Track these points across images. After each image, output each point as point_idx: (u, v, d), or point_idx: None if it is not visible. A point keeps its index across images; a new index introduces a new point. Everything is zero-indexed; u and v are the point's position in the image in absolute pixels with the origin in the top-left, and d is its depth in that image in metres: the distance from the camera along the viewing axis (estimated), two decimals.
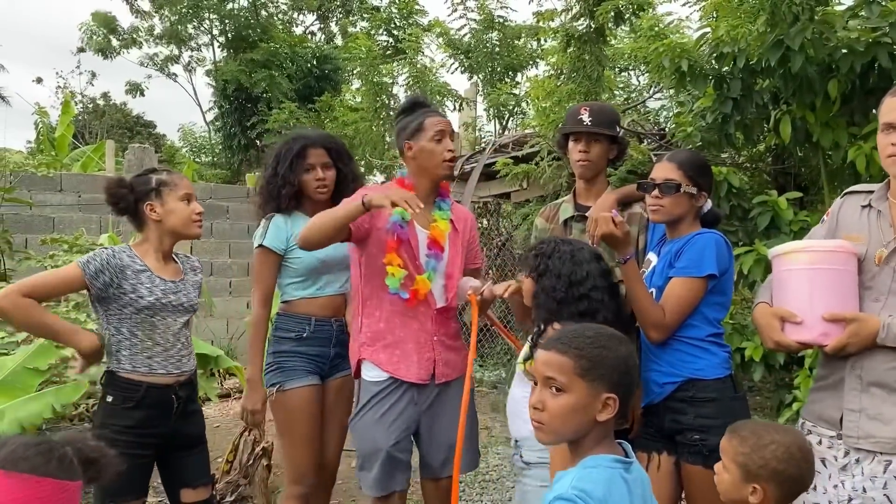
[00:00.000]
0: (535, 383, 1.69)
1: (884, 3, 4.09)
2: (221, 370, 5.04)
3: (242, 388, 3.10)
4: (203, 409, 5.70)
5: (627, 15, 6.43)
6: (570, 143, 2.94)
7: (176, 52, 18.15)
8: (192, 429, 2.81)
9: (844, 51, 4.03)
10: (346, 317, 3.11)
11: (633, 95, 9.24)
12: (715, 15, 4.95)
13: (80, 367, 2.65)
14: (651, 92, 8.44)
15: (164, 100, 37.18)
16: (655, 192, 2.53)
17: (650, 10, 6.63)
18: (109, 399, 2.62)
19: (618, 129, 2.98)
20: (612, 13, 6.19)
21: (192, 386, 2.81)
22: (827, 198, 4.71)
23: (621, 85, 9.72)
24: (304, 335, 3.02)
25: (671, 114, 7.44)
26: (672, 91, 6.77)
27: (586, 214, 2.87)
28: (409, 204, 2.46)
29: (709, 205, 2.63)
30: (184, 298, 2.74)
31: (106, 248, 2.70)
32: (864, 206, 2.19)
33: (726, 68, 4.53)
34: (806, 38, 3.94)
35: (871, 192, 2.20)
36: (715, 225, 2.64)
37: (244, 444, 4.08)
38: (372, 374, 2.75)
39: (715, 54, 4.54)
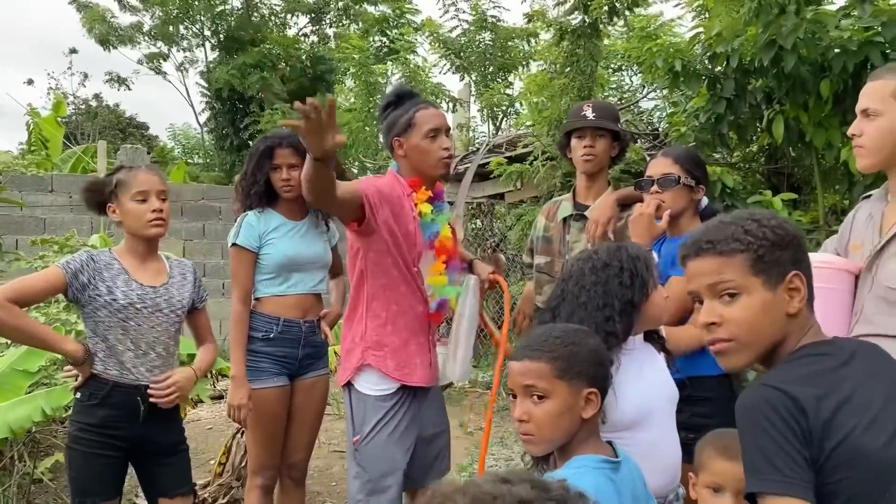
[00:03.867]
0: (514, 396, 1.65)
1: (876, 3, 4.10)
2: (214, 371, 5.00)
3: None
4: (196, 410, 5.69)
5: (622, 9, 6.39)
6: (574, 141, 2.92)
7: (165, 50, 18.03)
8: (163, 437, 2.72)
9: (837, 50, 4.02)
10: (316, 318, 3.13)
11: (627, 95, 9.25)
12: (707, 14, 4.96)
13: (78, 381, 2.62)
14: (644, 92, 8.45)
15: (156, 101, 37.10)
16: (654, 187, 2.52)
17: (644, 7, 6.60)
18: (78, 395, 2.63)
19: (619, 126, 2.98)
20: (606, 7, 6.15)
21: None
22: (820, 198, 4.72)
23: (614, 85, 9.72)
24: (272, 335, 3.03)
25: (665, 114, 7.45)
26: (665, 91, 6.77)
27: (585, 214, 2.86)
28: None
29: (705, 201, 2.65)
30: (163, 303, 2.68)
31: (87, 251, 2.68)
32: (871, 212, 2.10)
33: (719, 68, 4.53)
34: (798, 37, 3.93)
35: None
36: None
37: (237, 446, 4.04)
38: (377, 387, 2.56)
39: (708, 54, 4.54)
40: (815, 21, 4.04)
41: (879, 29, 3.91)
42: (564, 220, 2.98)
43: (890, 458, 1.28)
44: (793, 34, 3.94)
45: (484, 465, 2.57)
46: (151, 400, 2.63)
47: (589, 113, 2.88)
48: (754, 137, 5.26)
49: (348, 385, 2.64)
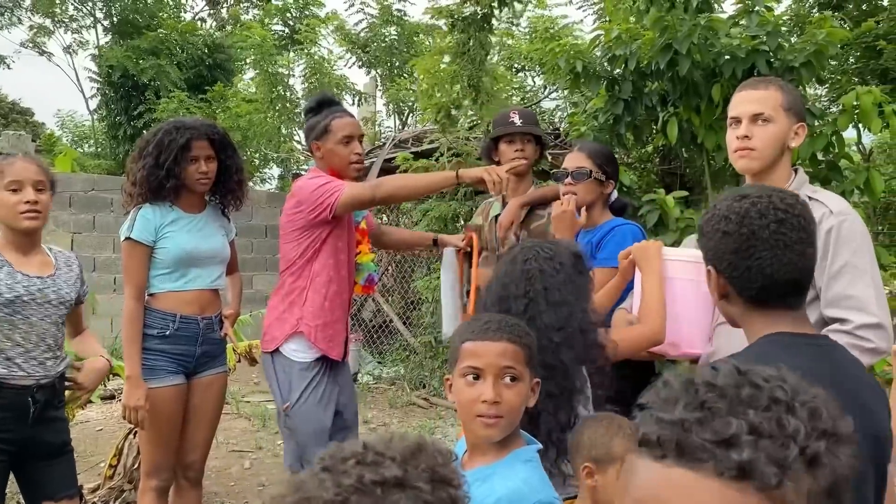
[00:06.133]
0: (476, 378, 1.58)
1: (762, 13, 4.33)
2: None
3: None
4: (84, 411, 5.43)
5: (510, 0, 6.47)
6: (503, 146, 3.15)
7: (50, 25, 17.01)
8: (53, 437, 2.60)
9: (727, 57, 4.23)
10: (216, 314, 3.06)
11: (529, 95, 9.43)
12: (608, 19, 5.11)
13: None
14: (546, 92, 8.64)
15: (43, 86, 34.90)
16: (568, 179, 2.70)
17: (540, 8, 6.75)
18: None
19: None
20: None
21: (55, 391, 2.60)
22: (710, 197, 4.94)
23: (517, 85, 9.89)
24: (168, 333, 2.91)
25: (566, 114, 7.63)
26: (566, 91, 6.94)
27: None
28: (499, 182, 2.69)
29: (615, 194, 2.85)
30: (52, 295, 2.56)
31: None
32: None
33: (618, 70, 4.67)
34: (693, 42, 4.11)
35: None
36: (623, 212, 2.87)
37: (129, 448, 3.88)
38: (301, 354, 2.86)
39: (607, 56, 4.68)
40: (709, 27, 4.23)
41: (765, 38, 4.14)
42: (495, 218, 3.22)
43: None
44: (687, 39, 4.12)
45: None
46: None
47: (517, 120, 3.12)
48: (650, 138, 5.46)
49: (274, 352, 2.89)
